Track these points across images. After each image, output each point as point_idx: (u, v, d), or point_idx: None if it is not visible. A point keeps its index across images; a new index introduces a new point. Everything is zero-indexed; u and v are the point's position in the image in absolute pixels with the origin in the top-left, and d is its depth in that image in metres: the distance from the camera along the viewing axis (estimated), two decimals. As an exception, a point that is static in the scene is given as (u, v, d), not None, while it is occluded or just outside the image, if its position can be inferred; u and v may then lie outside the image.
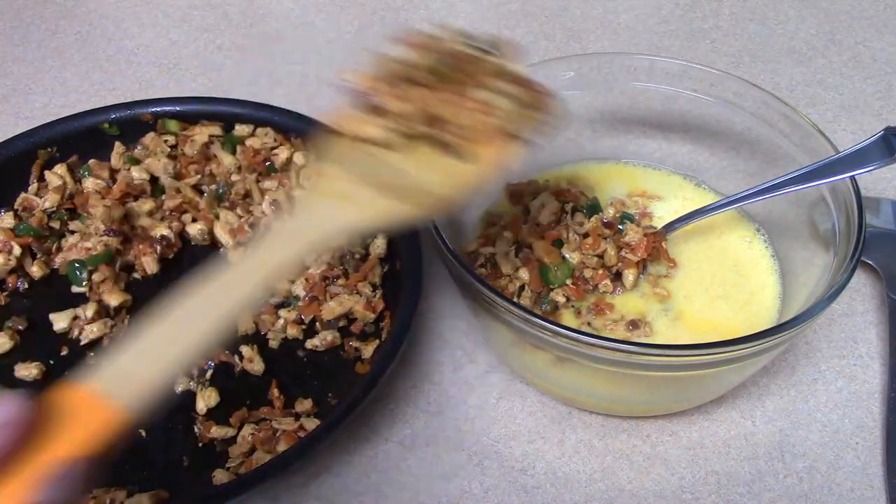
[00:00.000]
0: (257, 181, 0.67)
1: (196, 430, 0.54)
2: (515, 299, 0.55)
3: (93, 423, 0.33)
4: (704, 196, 0.63)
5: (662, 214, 0.61)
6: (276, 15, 0.89)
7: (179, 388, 0.56)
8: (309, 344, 0.58)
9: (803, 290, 0.53)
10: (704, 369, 0.47)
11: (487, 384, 0.57)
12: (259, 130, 0.68)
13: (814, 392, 0.57)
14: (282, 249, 0.40)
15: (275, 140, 0.68)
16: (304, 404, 0.54)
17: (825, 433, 0.55)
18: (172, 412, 0.55)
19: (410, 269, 0.57)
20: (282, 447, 0.51)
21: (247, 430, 0.53)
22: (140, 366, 0.35)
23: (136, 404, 0.34)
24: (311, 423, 0.52)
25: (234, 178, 0.67)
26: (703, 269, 0.58)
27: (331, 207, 0.42)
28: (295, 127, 0.67)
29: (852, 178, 0.52)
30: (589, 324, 0.55)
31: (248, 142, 0.68)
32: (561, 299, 0.55)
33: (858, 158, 0.52)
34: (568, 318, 0.55)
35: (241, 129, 0.68)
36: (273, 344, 0.58)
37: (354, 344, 0.58)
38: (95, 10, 0.91)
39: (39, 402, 0.32)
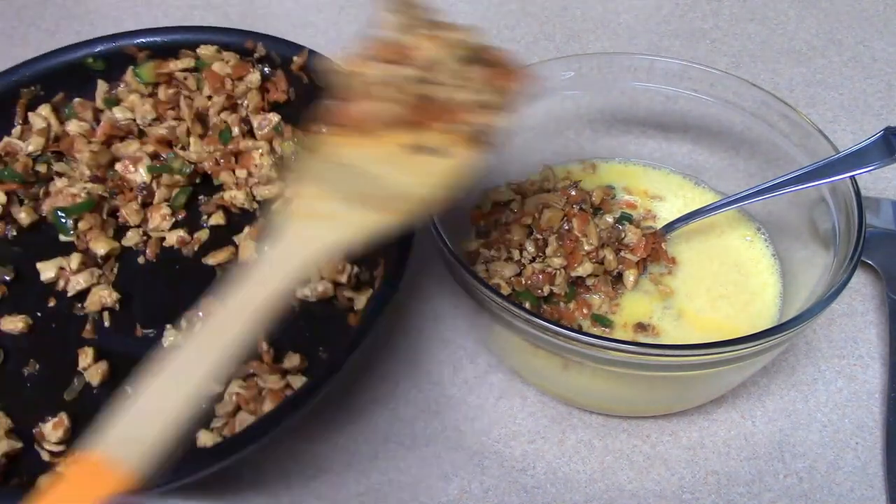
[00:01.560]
0: (230, 109, 0.64)
1: None
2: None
3: (102, 487, 0.33)
4: (704, 196, 0.63)
5: (663, 214, 0.61)
6: (276, 15, 0.89)
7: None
8: (299, 293, 0.55)
9: (804, 289, 0.53)
10: (706, 369, 0.47)
11: (487, 384, 0.57)
12: (226, 54, 0.65)
13: (814, 392, 0.57)
14: (268, 281, 0.39)
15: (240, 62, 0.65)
16: (293, 359, 0.52)
17: (825, 433, 0.55)
18: None
19: None
20: (267, 407, 0.48)
21: (234, 385, 0.50)
22: (142, 426, 0.35)
23: (144, 464, 0.34)
24: (299, 381, 0.49)
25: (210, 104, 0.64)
26: (704, 269, 0.58)
27: (311, 229, 0.41)
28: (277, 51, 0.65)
29: (852, 178, 0.52)
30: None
31: (215, 66, 0.64)
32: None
33: (858, 158, 0.52)
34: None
35: (205, 50, 0.65)
36: None
37: (347, 294, 0.55)
38: (95, 11, 0.90)
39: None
